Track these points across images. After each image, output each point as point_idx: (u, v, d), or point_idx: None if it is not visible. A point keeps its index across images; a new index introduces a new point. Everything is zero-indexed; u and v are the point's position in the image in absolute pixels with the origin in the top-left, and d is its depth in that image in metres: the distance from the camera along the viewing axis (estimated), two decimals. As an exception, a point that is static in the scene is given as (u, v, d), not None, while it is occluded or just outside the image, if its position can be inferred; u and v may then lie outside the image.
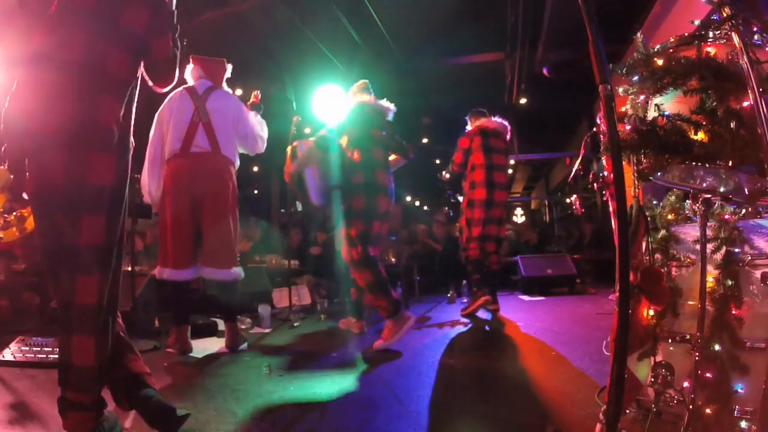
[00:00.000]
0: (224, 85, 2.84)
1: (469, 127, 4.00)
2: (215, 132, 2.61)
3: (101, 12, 1.40)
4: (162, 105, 2.70)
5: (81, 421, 1.29)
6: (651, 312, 1.32)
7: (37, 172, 1.34)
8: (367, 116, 2.97)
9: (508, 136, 3.97)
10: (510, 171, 10.84)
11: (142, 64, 1.51)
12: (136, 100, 1.51)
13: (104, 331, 1.34)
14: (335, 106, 3.31)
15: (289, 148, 3.20)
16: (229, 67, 2.87)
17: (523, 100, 7.46)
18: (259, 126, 2.86)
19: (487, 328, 3.34)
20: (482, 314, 3.76)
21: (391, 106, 3.10)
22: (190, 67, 2.83)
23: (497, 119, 3.96)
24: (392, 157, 3.17)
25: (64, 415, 1.29)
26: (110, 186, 1.37)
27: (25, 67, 1.38)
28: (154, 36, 1.48)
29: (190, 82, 2.80)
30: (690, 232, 1.38)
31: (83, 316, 1.31)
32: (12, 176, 1.43)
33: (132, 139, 1.49)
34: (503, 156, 3.87)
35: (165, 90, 1.64)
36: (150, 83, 1.62)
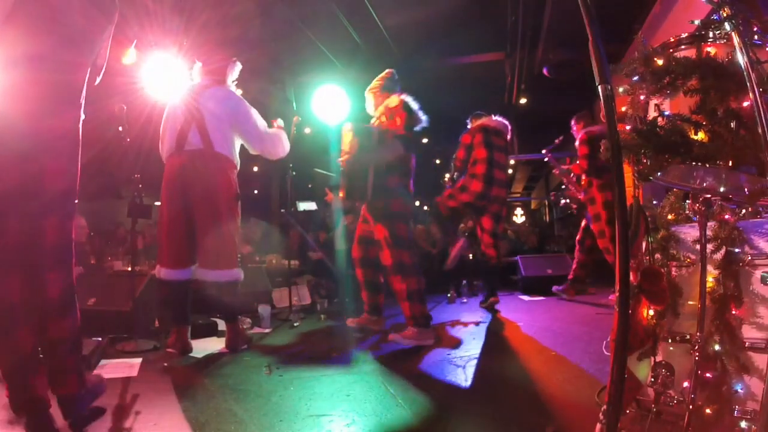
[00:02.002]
0: (230, 83, 2.81)
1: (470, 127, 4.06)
2: (208, 129, 2.58)
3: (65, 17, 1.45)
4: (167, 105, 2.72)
5: (65, 379, 1.44)
6: (651, 312, 1.32)
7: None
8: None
9: (509, 136, 4.01)
10: (510, 171, 10.85)
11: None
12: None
13: (74, 310, 1.50)
14: (336, 106, 3.32)
15: (347, 126, 2.90)
16: (238, 66, 2.85)
17: (523, 100, 7.46)
18: (267, 129, 2.82)
19: (486, 327, 3.34)
20: (482, 315, 3.78)
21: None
22: (196, 66, 2.82)
23: (498, 118, 4.01)
24: None
25: (52, 383, 1.43)
26: (65, 186, 1.47)
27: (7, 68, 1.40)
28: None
29: (196, 80, 2.80)
30: (690, 232, 1.38)
31: (56, 306, 1.44)
32: None
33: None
34: (503, 154, 3.92)
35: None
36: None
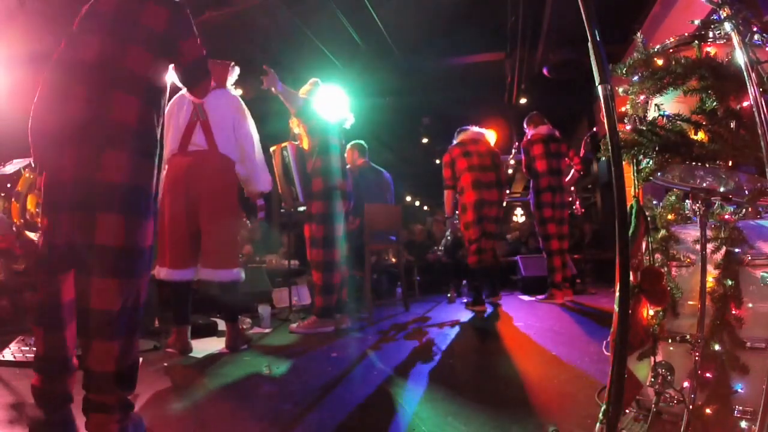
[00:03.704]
0: (229, 87, 2.83)
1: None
2: (213, 130, 2.60)
3: (120, 13, 1.43)
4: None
5: (103, 423, 1.24)
6: (651, 312, 1.32)
7: (48, 169, 1.34)
8: (327, 125, 3.22)
9: (492, 142, 4.23)
10: (510, 171, 10.84)
11: (171, 66, 1.54)
12: (165, 102, 1.52)
13: (128, 334, 1.30)
14: (334, 103, 3.36)
15: (274, 149, 3.26)
16: (236, 70, 2.87)
17: (523, 100, 7.45)
18: (260, 153, 2.83)
19: (487, 328, 3.34)
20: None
21: (350, 116, 3.41)
22: None
23: (474, 129, 4.22)
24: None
25: (86, 414, 1.26)
26: (125, 184, 1.32)
27: (47, 68, 1.39)
28: (180, 37, 1.49)
29: None
30: (690, 232, 1.37)
31: (101, 321, 1.26)
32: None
33: (158, 139, 1.46)
34: (487, 158, 4.03)
35: (202, 97, 1.64)
36: (185, 91, 1.66)
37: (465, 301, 4.43)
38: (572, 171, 4.55)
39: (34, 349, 1.44)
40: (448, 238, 4.14)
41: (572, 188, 4.67)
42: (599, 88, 0.89)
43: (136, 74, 1.39)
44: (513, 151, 4.86)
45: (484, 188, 3.88)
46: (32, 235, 2.76)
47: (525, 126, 4.68)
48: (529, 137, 4.56)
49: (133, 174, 1.34)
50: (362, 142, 4.55)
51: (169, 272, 2.53)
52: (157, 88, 1.46)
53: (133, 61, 1.38)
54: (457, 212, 4.23)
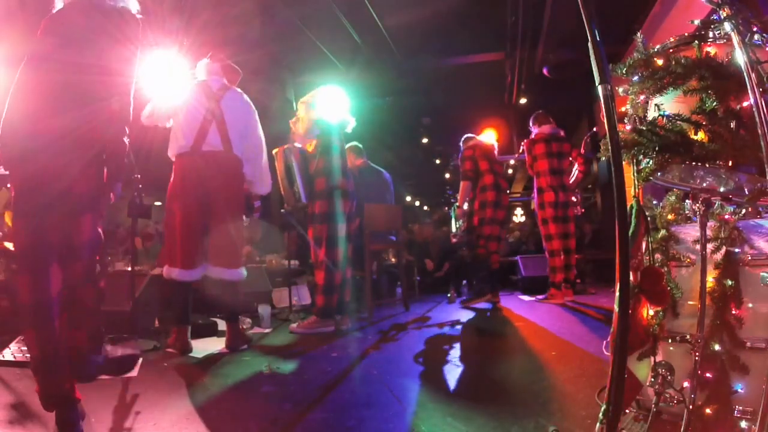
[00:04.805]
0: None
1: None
2: (228, 131, 2.60)
3: (96, 25, 1.50)
4: (173, 93, 2.69)
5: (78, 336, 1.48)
6: (651, 312, 1.32)
7: (33, 172, 1.37)
8: (329, 126, 3.27)
9: (496, 152, 4.47)
10: (510, 171, 10.87)
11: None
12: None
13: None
14: (336, 106, 3.36)
15: (277, 151, 3.27)
16: (239, 72, 2.90)
17: (523, 100, 7.46)
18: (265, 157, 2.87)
19: (487, 328, 3.35)
20: (483, 308, 3.83)
21: (351, 119, 3.46)
22: (204, 62, 2.80)
23: (485, 138, 4.50)
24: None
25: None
26: (94, 191, 1.53)
27: (28, 67, 1.40)
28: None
29: (201, 77, 2.78)
30: (690, 232, 1.37)
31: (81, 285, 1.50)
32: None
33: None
34: (500, 165, 4.37)
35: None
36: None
37: (463, 299, 4.45)
38: (575, 171, 4.53)
39: (28, 356, 1.57)
40: (461, 222, 4.28)
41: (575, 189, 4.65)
42: (599, 88, 0.89)
43: (111, 87, 1.56)
44: (521, 149, 4.87)
45: (501, 192, 4.16)
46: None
47: (530, 124, 4.69)
48: (532, 136, 4.58)
49: (98, 181, 1.57)
50: (357, 143, 4.54)
51: (181, 272, 2.52)
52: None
53: (109, 74, 1.54)
54: (465, 206, 4.38)
